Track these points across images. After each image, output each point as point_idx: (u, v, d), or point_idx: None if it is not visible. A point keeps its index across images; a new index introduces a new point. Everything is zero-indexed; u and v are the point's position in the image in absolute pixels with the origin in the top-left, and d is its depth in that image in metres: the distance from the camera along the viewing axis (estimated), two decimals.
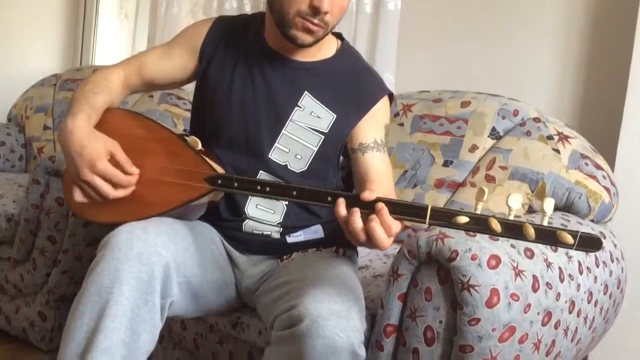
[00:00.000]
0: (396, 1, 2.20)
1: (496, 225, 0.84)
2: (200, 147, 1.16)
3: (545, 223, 0.83)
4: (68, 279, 1.80)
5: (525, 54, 2.02)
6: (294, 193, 1.00)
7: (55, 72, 2.88)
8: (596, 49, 1.90)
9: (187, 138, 1.18)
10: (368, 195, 0.92)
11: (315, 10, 1.09)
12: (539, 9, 1.99)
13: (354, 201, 0.93)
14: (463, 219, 0.86)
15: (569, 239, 0.80)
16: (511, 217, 0.85)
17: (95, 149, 1.10)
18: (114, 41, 3.46)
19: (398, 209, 0.91)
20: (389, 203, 0.91)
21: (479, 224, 0.86)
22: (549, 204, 0.83)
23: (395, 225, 0.90)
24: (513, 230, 0.84)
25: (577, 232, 0.81)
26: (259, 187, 1.04)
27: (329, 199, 0.96)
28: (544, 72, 1.99)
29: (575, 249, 0.81)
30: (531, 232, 0.83)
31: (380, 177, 1.20)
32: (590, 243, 0.81)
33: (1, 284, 1.90)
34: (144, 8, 3.25)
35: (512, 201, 0.85)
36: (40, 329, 1.83)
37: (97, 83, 1.23)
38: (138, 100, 2.47)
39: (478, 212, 0.87)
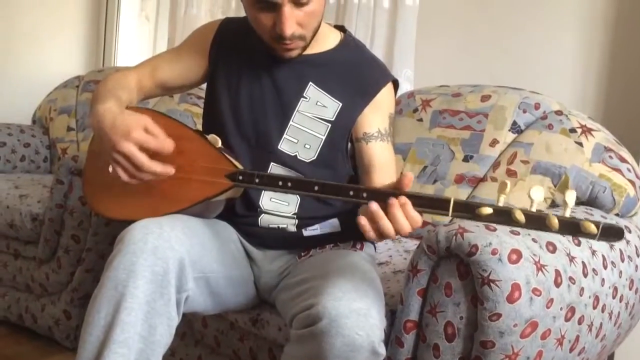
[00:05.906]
0: None
1: (520, 216, 0.84)
2: (220, 144, 1.17)
3: (567, 215, 0.83)
4: (92, 278, 1.83)
5: (547, 45, 1.99)
6: (316, 188, 1.00)
7: (78, 74, 2.91)
8: (620, 39, 1.86)
9: (207, 136, 1.19)
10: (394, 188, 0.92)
11: (281, 37, 1.12)
12: None
13: (373, 195, 0.94)
14: (487, 210, 0.86)
15: (593, 229, 0.81)
16: (533, 209, 0.85)
17: (129, 120, 1.09)
18: (135, 43, 3.50)
19: (421, 202, 0.91)
20: (411, 196, 0.91)
21: (503, 216, 0.86)
22: (571, 196, 0.84)
23: (418, 219, 0.90)
24: (537, 221, 0.84)
25: (600, 222, 0.81)
26: (280, 183, 1.04)
27: (351, 193, 0.97)
28: (566, 64, 1.96)
29: (598, 240, 0.81)
30: (555, 222, 0.83)
31: (382, 166, 1.22)
32: (613, 233, 0.81)
33: (27, 283, 1.93)
34: (164, 10, 3.28)
35: (535, 193, 0.85)
36: (65, 327, 1.85)
37: (118, 81, 1.25)
38: (159, 101, 2.49)
39: (501, 204, 0.87)
